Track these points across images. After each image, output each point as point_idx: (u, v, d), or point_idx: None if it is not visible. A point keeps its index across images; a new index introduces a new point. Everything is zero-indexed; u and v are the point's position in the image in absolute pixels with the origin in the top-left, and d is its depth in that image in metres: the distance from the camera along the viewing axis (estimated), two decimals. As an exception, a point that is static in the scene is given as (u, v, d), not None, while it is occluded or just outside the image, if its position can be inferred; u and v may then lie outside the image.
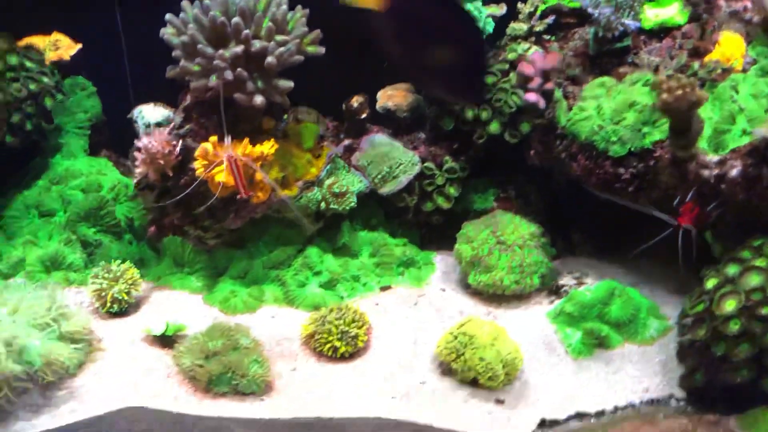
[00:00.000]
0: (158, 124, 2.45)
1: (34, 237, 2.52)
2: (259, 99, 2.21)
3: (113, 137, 2.98)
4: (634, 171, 2.33)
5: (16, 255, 2.48)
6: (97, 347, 2.25)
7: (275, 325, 2.42)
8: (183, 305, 2.48)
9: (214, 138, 2.22)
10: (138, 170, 2.29)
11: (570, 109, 2.43)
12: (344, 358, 2.30)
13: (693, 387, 2.11)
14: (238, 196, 2.28)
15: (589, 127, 2.38)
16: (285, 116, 2.56)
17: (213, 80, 2.18)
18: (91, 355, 2.23)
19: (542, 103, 2.41)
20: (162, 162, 2.26)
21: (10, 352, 2.05)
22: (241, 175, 2.19)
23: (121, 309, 2.39)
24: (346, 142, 2.68)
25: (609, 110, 2.37)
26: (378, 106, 2.74)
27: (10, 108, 2.43)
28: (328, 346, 2.27)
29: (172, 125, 2.34)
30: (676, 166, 2.21)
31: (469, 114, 2.61)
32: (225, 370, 2.13)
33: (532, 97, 2.40)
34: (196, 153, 2.23)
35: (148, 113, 2.44)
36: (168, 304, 2.49)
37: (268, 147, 2.27)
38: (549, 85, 2.38)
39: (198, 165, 2.24)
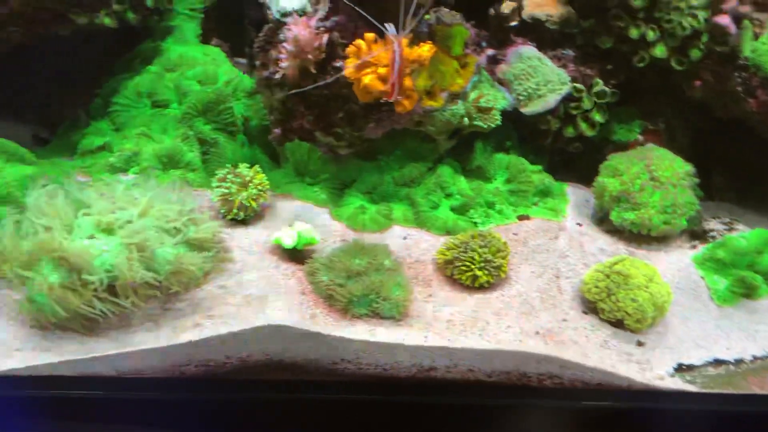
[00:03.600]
0: (293, 13, 2.18)
1: (147, 129, 2.31)
2: (424, -7, 1.96)
3: (221, 25, 2.74)
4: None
5: (130, 148, 2.27)
6: (224, 257, 2.09)
7: (407, 246, 2.24)
8: (308, 217, 2.28)
9: (371, 35, 1.98)
10: (283, 64, 2.04)
11: (756, 38, 2.17)
12: (482, 288, 2.13)
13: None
14: (385, 99, 2.05)
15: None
16: (426, 16, 2.30)
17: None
18: (218, 265, 2.08)
19: (733, 29, 2.15)
20: (310, 56, 2.02)
21: (141, 258, 1.89)
22: (400, 75, 1.96)
23: (247, 216, 2.21)
24: (489, 51, 2.42)
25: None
26: (525, 14, 2.47)
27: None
28: (469, 274, 2.10)
29: (317, 16, 2.08)
30: None
31: (634, 32, 2.34)
32: (367, 291, 1.96)
33: (723, 20, 2.13)
34: (348, 50, 1.99)
35: (283, 0, 2.17)
36: (291, 214, 2.29)
37: (426, 50, 2.02)
38: (744, 8, 2.11)
39: (349, 63, 2.00)
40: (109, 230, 1.90)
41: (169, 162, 2.28)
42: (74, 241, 1.86)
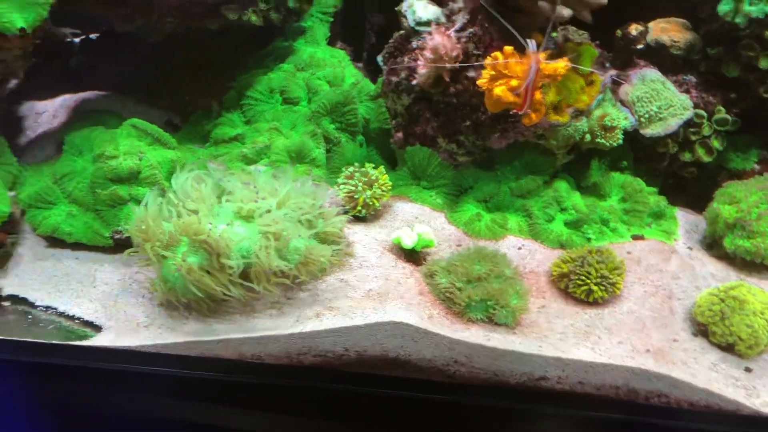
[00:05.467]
0: (428, 22, 2.26)
1: (278, 124, 2.41)
2: (566, 11, 2.00)
3: (345, 29, 2.84)
4: None
5: (262, 141, 2.37)
6: (346, 251, 2.17)
7: (521, 256, 2.29)
8: (424, 220, 2.36)
9: (509, 48, 2.04)
10: (421, 70, 2.12)
11: None
12: (595, 303, 2.16)
13: None
14: (514, 110, 2.10)
15: None
16: (554, 34, 2.34)
17: (521, -16, 1.98)
18: (340, 259, 2.15)
19: None
20: (447, 65, 2.08)
21: (277, 246, 1.98)
22: (534, 88, 2.01)
23: (367, 214, 2.29)
24: (613, 72, 2.46)
25: None
26: (649, 38, 2.50)
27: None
28: (584, 288, 2.13)
29: (455, 27, 2.15)
30: None
31: (764, 63, 2.34)
32: (487, 297, 2.02)
33: None
34: (486, 61, 2.05)
35: (420, 9, 2.25)
36: (407, 215, 2.37)
37: (561, 66, 2.07)
38: None
39: (485, 74, 2.06)
40: (247, 217, 2.00)
41: (297, 157, 2.37)
42: (216, 226, 1.96)
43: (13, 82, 2.17)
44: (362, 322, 1.98)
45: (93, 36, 2.79)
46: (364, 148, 2.56)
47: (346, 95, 2.44)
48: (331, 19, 2.72)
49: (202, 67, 2.61)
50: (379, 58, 2.74)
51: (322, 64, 2.53)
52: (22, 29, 1.89)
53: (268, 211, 2.00)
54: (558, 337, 2.05)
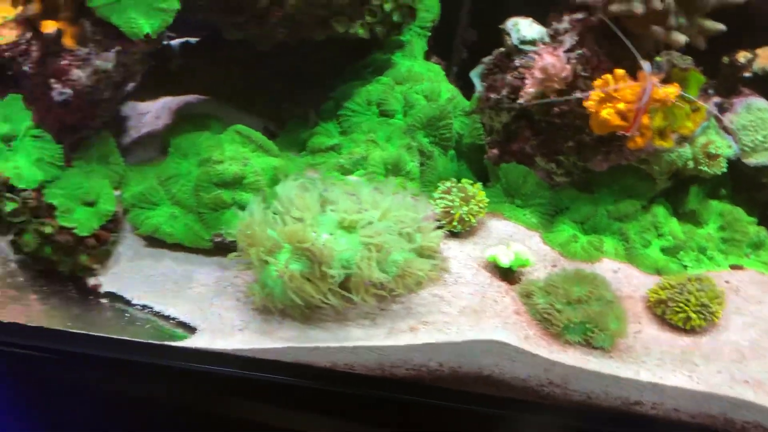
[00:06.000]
0: (533, 41, 2.26)
1: (374, 136, 2.44)
2: (681, 38, 1.99)
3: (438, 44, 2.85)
4: None
5: (359, 152, 2.40)
6: (441, 266, 2.16)
7: (617, 280, 2.25)
8: (518, 238, 2.34)
9: (621, 71, 2.03)
10: (530, 89, 2.12)
11: None
12: (693, 331, 2.12)
13: None
14: (621, 133, 2.09)
15: None
16: (658, 58, 2.32)
17: (637, 7, 1.96)
18: (435, 273, 2.15)
19: None
20: (556, 85, 2.09)
21: (378, 258, 1.99)
22: (645, 111, 1.99)
23: (462, 230, 2.29)
24: (716, 99, 2.42)
25: None
26: (756, 66, 2.45)
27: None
28: (682, 315, 2.09)
29: (563, 47, 2.15)
30: None
31: None
32: (586, 320, 1.99)
33: None
34: (596, 82, 2.05)
35: (525, 28, 2.25)
36: (501, 233, 2.36)
37: (672, 91, 2.05)
38: None
39: (594, 96, 2.05)
40: (349, 228, 2.02)
41: (393, 169, 2.39)
42: (320, 235, 1.99)
43: (130, 85, 2.24)
44: (460, 338, 1.98)
45: (192, 40, 2.85)
46: (455, 162, 2.56)
47: (442, 110, 2.45)
48: (429, 34, 2.74)
49: (299, 76, 2.65)
50: (473, 74, 2.74)
51: (419, 78, 2.54)
52: (147, 35, 1.95)
53: (371, 223, 2.02)
54: (655, 363, 2.02)
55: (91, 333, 2.07)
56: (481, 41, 2.96)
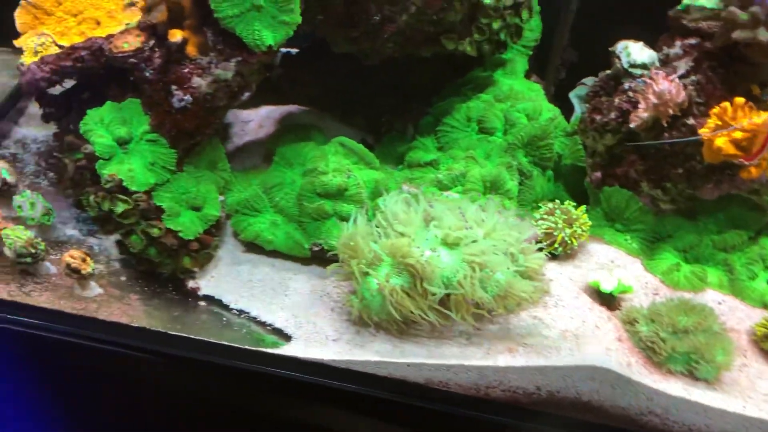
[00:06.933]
0: (643, 65, 2.22)
1: (473, 153, 2.43)
2: (805, 68, 1.93)
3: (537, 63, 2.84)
4: None
5: (458, 168, 2.38)
6: (542, 288, 2.14)
7: (721, 312, 2.18)
8: (620, 264, 2.30)
9: (741, 99, 1.98)
10: (642, 114, 2.08)
11: None
12: (798, 368, 2.06)
13: None
14: (739, 161, 2.04)
15: None
16: None
17: (764, 35, 1.91)
18: (537, 296, 2.12)
19: None
20: (670, 111, 2.05)
21: (481, 277, 1.98)
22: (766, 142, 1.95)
23: (563, 252, 2.26)
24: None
25: None
26: None
27: (498, 12, 2.28)
28: (788, 352, 2.04)
29: (678, 72, 2.11)
30: None
31: None
32: (691, 350, 1.95)
33: None
34: (713, 110, 2.01)
35: (635, 51, 2.21)
36: (602, 258, 2.32)
37: (795, 123, 1.99)
38: None
39: (710, 123, 2.01)
40: (452, 245, 2.02)
41: (492, 187, 2.37)
42: (423, 250, 1.99)
43: (246, 95, 2.29)
44: (560, 363, 1.95)
45: (292, 50, 2.90)
46: (552, 183, 2.53)
47: (544, 129, 2.43)
48: (531, 53, 2.72)
49: (399, 90, 2.66)
50: (572, 95, 2.72)
51: (520, 97, 2.52)
52: (269, 46, 1.99)
53: (475, 241, 2.01)
54: (762, 399, 1.97)
55: (190, 336, 2.12)
56: (582, 62, 2.94)
